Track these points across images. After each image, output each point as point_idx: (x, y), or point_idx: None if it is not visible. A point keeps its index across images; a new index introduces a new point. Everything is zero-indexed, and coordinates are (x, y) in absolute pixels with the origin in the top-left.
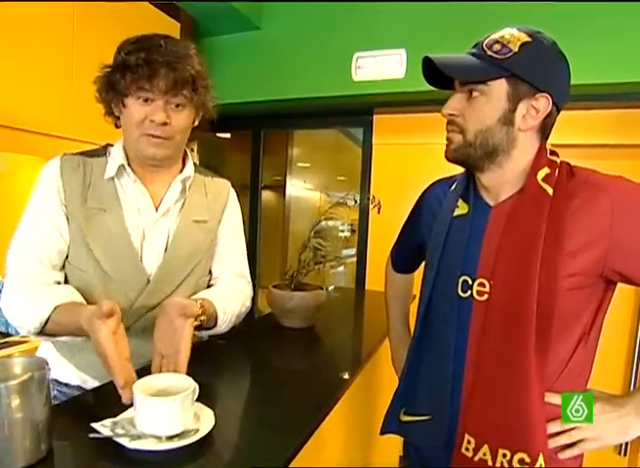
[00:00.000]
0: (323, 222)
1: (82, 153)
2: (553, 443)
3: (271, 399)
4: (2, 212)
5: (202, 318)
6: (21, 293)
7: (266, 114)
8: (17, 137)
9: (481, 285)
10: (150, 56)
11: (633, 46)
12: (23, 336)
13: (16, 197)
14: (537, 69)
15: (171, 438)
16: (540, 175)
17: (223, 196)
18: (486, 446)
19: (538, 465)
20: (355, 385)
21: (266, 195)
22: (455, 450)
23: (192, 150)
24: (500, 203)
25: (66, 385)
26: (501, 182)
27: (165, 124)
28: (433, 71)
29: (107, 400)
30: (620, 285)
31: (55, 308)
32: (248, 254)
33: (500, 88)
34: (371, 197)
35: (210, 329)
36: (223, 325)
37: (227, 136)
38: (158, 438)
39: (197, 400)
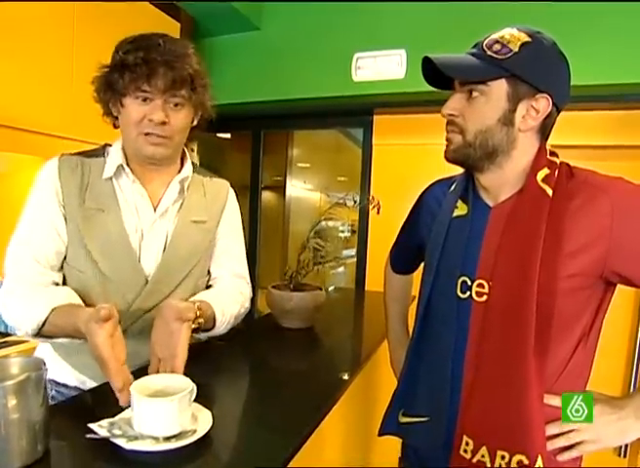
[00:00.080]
0: (323, 223)
1: (80, 153)
2: (552, 445)
3: (270, 399)
4: (2, 212)
5: (200, 321)
6: (19, 294)
7: (266, 114)
8: (17, 137)
9: (480, 286)
10: (149, 55)
11: (633, 47)
12: (22, 336)
13: (16, 197)
14: (537, 70)
15: (168, 439)
16: (540, 175)
17: (222, 196)
18: (484, 447)
19: (536, 467)
20: (355, 386)
21: (266, 195)
22: (453, 452)
23: (192, 150)
24: (500, 203)
25: (64, 386)
26: (501, 183)
27: (164, 123)
28: (433, 71)
29: (105, 400)
30: (619, 285)
31: (52, 310)
32: (248, 255)
33: (499, 88)
34: (370, 197)
35: (208, 330)
36: (222, 326)
37: (227, 136)
38: (155, 439)
39: (195, 400)
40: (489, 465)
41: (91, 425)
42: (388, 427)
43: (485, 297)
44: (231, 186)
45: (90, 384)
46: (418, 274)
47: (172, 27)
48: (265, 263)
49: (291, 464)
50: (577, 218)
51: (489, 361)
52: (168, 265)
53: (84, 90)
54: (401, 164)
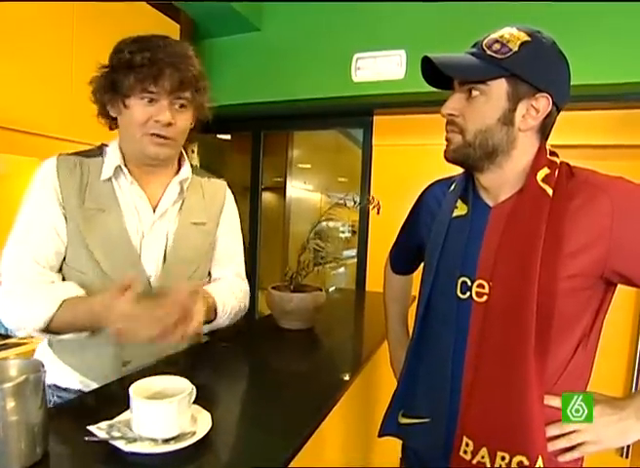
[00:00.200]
0: (323, 223)
1: (77, 153)
2: (553, 446)
3: (270, 400)
4: (1, 213)
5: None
6: (20, 294)
7: (266, 115)
8: (15, 139)
9: (480, 286)
10: (156, 55)
11: (633, 46)
12: (22, 338)
13: (15, 199)
14: (537, 69)
15: (167, 441)
16: (540, 175)
17: (220, 197)
18: (484, 448)
19: (536, 467)
20: (355, 386)
21: (267, 196)
22: (453, 453)
23: (193, 152)
24: (500, 203)
25: (66, 390)
26: (501, 183)
27: (169, 124)
28: (433, 71)
29: (104, 402)
30: (620, 286)
31: (62, 302)
32: (248, 256)
33: (499, 87)
34: (370, 198)
35: (210, 322)
36: (224, 316)
37: (227, 137)
38: (154, 441)
39: (195, 402)
40: (489, 466)
41: (90, 427)
42: (388, 428)
43: (485, 298)
44: (231, 187)
45: (93, 386)
46: (418, 274)
47: (171, 29)
48: (266, 264)
49: (291, 465)
50: (577, 218)
51: (489, 361)
52: (169, 268)
53: (83, 91)
54: (401, 164)
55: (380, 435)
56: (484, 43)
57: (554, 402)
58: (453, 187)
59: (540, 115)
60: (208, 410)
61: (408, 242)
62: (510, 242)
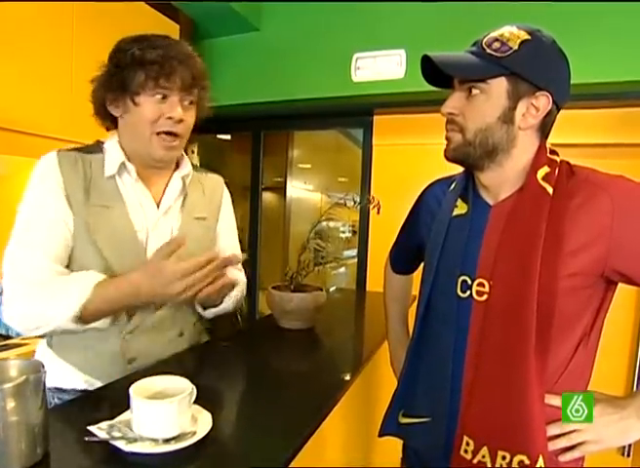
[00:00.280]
0: (323, 223)
1: (76, 149)
2: (553, 445)
3: (270, 400)
4: (1, 214)
5: None
6: (40, 289)
7: (266, 115)
8: (15, 140)
9: (480, 285)
10: (167, 52)
11: (633, 46)
12: (23, 339)
13: (15, 199)
14: (537, 67)
15: (168, 441)
16: (540, 173)
17: (219, 193)
18: (485, 447)
19: (537, 467)
20: (356, 386)
21: (267, 197)
22: (453, 453)
23: (193, 152)
24: (500, 202)
25: (68, 392)
26: (501, 181)
27: (180, 121)
28: (432, 70)
29: (104, 402)
30: (621, 285)
31: (96, 286)
32: (249, 256)
33: (499, 86)
34: (370, 197)
35: (216, 306)
36: (227, 302)
37: (227, 137)
38: (155, 441)
39: (195, 402)
40: (490, 466)
41: (90, 427)
42: (388, 428)
43: (485, 297)
44: (232, 187)
45: (98, 385)
46: (418, 274)
47: (171, 29)
48: (267, 264)
49: (292, 465)
50: (577, 217)
51: (489, 360)
52: None
53: (83, 92)
54: (401, 164)
55: (381, 435)
56: (484, 41)
57: (555, 401)
58: (453, 186)
59: (541, 113)
60: (208, 410)
61: (408, 241)
62: (510, 240)
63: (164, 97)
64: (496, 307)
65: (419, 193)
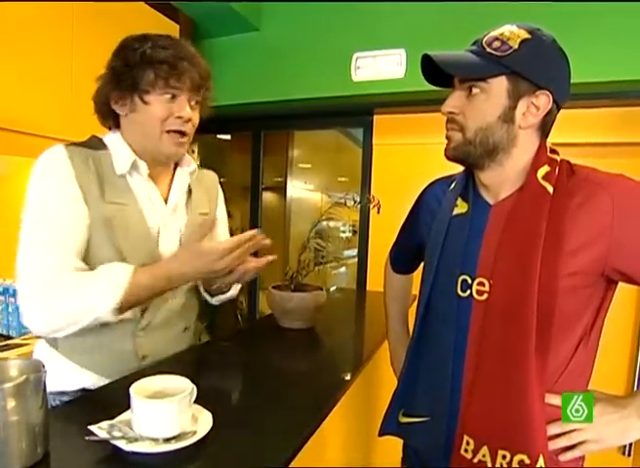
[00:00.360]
0: (323, 223)
1: (81, 145)
2: (554, 444)
3: (271, 400)
4: (2, 214)
5: None
6: (71, 287)
7: (266, 115)
8: (16, 140)
9: (480, 284)
10: (177, 52)
11: (633, 46)
12: (24, 339)
13: (15, 199)
14: (537, 66)
15: (168, 440)
16: (541, 172)
17: (215, 188)
18: (485, 447)
19: (538, 466)
20: (356, 386)
21: (267, 196)
22: (454, 452)
23: (193, 152)
24: (500, 201)
25: (69, 394)
26: (501, 181)
27: (189, 120)
28: (433, 69)
29: (104, 402)
30: (621, 284)
31: (132, 274)
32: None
33: (500, 85)
34: (370, 197)
35: (223, 293)
36: (236, 287)
37: (228, 137)
38: (155, 440)
39: (195, 401)
40: (490, 465)
41: (90, 427)
42: (388, 427)
43: (485, 296)
44: (232, 187)
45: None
46: (418, 273)
47: (171, 29)
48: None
49: (292, 465)
50: (577, 216)
51: (489, 360)
52: None
53: (83, 92)
54: (401, 163)
55: (381, 434)
56: (484, 41)
57: (555, 400)
58: (453, 186)
59: (541, 112)
60: (208, 410)
61: (408, 241)
62: (511, 240)
63: (173, 97)
64: (496, 306)
65: (419, 193)
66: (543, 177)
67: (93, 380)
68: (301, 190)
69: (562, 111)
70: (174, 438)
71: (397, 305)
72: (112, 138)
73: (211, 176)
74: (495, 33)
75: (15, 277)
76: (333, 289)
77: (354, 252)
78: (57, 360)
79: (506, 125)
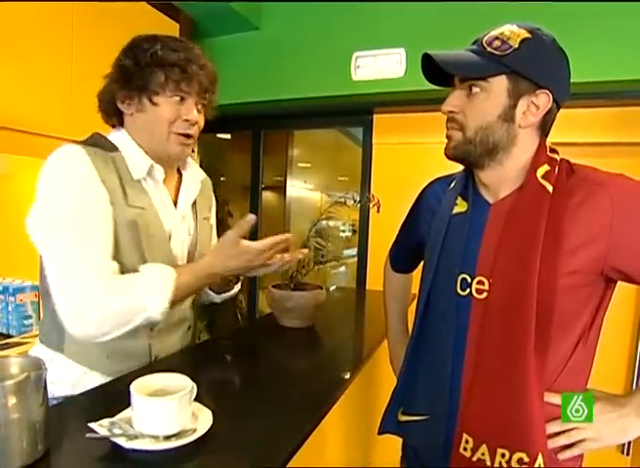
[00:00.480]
0: (323, 222)
1: (93, 145)
2: (553, 443)
3: (270, 398)
4: (2, 213)
5: None
6: (117, 289)
7: (266, 114)
8: (16, 139)
9: (480, 283)
10: (188, 55)
11: (632, 46)
12: (24, 337)
13: (16, 198)
14: (537, 66)
15: (168, 438)
16: (540, 172)
17: (211, 194)
18: (484, 445)
19: (537, 465)
20: (355, 384)
21: (267, 195)
22: (453, 450)
23: (193, 151)
24: (500, 200)
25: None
26: (501, 180)
27: (196, 123)
28: (433, 68)
29: (105, 400)
30: (620, 283)
31: (178, 275)
32: None
33: (500, 84)
34: (370, 196)
35: (226, 291)
36: (238, 285)
37: (227, 136)
38: (155, 438)
39: (195, 399)
40: (489, 463)
41: (91, 424)
42: (388, 426)
43: (485, 295)
44: (232, 186)
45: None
46: (418, 272)
47: (171, 28)
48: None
49: (291, 464)
50: (577, 215)
51: (489, 358)
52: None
53: (83, 90)
54: (401, 163)
55: (380, 432)
56: (484, 40)
57: (554, 399)
58: (453, 185)
59: (541, 112)
60: (209, 408)
61: (408, 240)
62: (510, 238)
63: (181, 100)
64: (495, 305)
65: (418, 192)
66: (543, 177)
67: (101, 382)
68: (301, 189)
69: (562, 111)
70: (174, 435)
71: (397, 304)
72: (119, 138)
73: (208, 183)
74: (495, 33)
75: (45, 279)
76: (332, 288)
77: (354, 251)
78: (60, 364)
79: (506, 124)
